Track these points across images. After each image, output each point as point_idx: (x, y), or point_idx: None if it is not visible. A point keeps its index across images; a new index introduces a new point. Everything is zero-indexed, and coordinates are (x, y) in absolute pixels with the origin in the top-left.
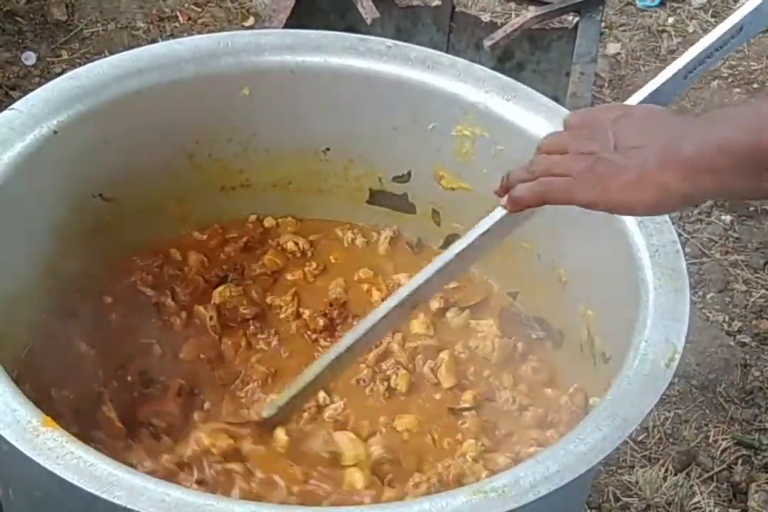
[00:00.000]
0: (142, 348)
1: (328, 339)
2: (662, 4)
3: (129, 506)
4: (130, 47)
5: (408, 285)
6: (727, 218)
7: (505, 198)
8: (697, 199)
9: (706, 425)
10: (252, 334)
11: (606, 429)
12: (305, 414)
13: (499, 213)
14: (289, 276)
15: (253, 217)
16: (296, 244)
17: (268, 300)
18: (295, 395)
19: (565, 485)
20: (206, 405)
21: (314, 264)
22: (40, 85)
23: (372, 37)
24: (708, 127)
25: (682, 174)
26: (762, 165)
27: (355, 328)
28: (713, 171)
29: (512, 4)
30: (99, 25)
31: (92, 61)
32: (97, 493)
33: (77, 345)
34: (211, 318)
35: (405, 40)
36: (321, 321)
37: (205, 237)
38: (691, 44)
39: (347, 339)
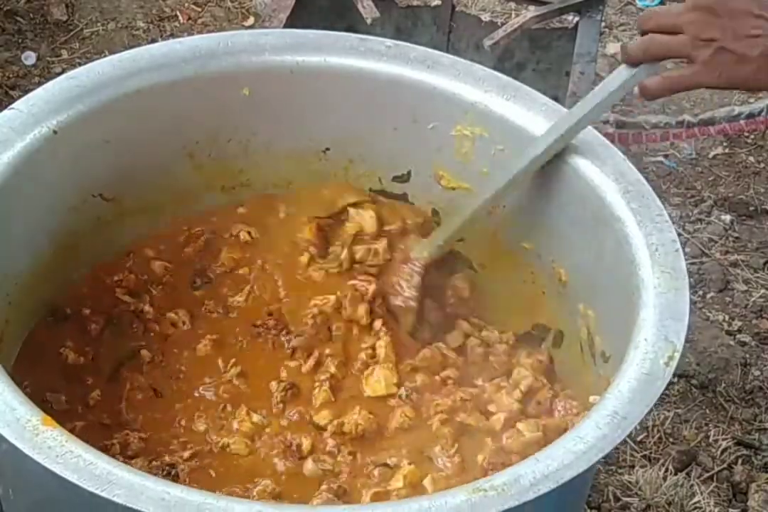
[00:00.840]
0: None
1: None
2: (662, 4)
3: (128, 504)
4: (130, 47)
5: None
6: (727, 218)
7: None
8: None
9: (706, 425)
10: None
11: (606, 428)
12: None
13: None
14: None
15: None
16: (248, 233)
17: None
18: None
19: (565, 483)
20: None
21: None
22: (40, 84)
23: (372, 37)
24: None
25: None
26: None
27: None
28: None
29: (512, 4)
30: (99, 24)
31: (92, 60)
32: (97, 492)
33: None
34: (183, 322)
35: (405, 40)
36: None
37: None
38: None
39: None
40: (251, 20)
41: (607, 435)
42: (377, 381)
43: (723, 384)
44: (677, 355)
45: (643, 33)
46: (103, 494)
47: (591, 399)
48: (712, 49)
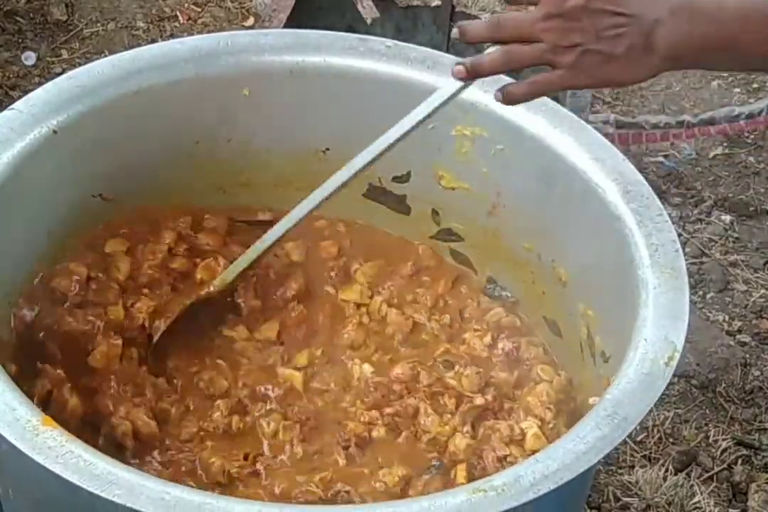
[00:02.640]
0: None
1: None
2: None
3: (128, 504)
4: (130, 47)
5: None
6: (727, 218)
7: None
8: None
9: (706, 425)
10: None
11: (606, 428)
12: None
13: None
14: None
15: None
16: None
17: None
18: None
19: (565, 483)
20: None
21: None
22: (40, 85)
23: (372, 37)
24: (681, 19)
25: (666, 57)
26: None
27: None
28: (691, 58)
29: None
30: (99, 24)
31: (92, 60)
32: (97, 492)
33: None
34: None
35: (405, 40)
36: None
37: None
38: None
39: (295, 213)
40: (251, 20)
41: (607, 436)
42: None
43: (723, 384)
44: (677, 355)
45: (496, 42)
46: (103, 494)
47: (591, 400)
48: (576, 53)
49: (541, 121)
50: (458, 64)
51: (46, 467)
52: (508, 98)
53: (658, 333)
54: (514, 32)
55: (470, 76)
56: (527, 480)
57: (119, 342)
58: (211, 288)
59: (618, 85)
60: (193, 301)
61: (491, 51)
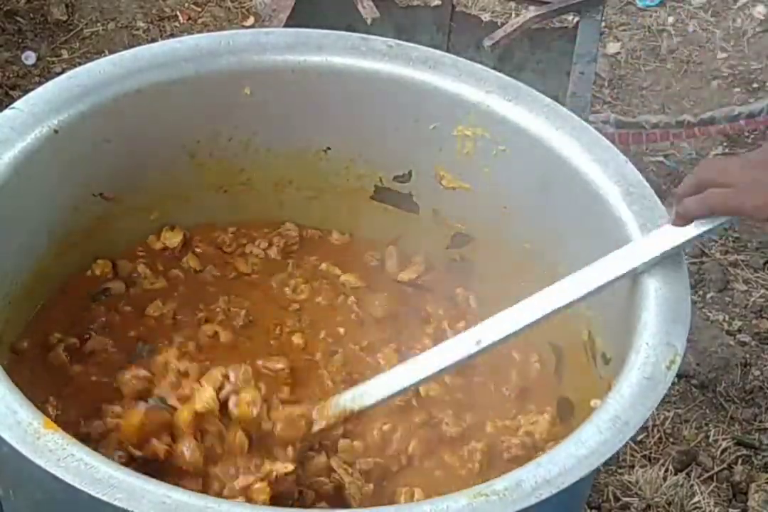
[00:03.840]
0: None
1: None
2: (662, 3)
3: (130, 508)
4: (130, 47)
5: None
6: None
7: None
8: None
9: (706, 425)
10: None
11: (607, 433)
12: None
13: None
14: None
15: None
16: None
17: None
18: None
19: (567, 488)
20: None
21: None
22: (40, 84)
23: (373, 37)
24: None
25: None
26: None
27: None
28: None
29: (512, 4)
30: (99, 24)
31: (92, 60)
32: (98, 495)
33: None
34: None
35: (405, 40)
36: None
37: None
38: (691, 44)
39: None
40: (251, 20)
41: (608, 440)
42: None
43: (723, 384)
44: (679, 359)
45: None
46: (104, 498)
47: (592, 403)
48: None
49: (543, 122)
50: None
51: (47, 470)
52: (680, 219)
53: (659, 336)
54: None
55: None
56: (529, 484)
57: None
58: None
59: None
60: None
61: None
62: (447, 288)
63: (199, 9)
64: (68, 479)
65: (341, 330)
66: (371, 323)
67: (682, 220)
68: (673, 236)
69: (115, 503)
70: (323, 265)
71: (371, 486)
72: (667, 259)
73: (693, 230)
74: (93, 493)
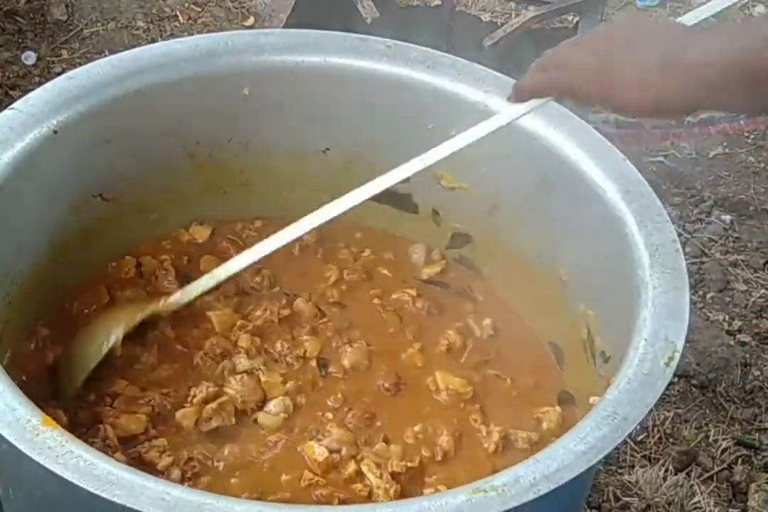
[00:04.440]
0: None
1: None
2: (662, 3)
3: (129, 505)
4: (130, 47)
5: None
6: (727, 218)
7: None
8: (695, 109)
9: (706, 425)
10: None
11: (606, 429)
12: None
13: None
14: None
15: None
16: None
17: None
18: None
19: (565, 484)
20: None
21: None
22: (40, 84)
23: (372, 37)
24: (709, 40)
25: (681, 82)
26: (753, 85)
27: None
28: (708, 85)
29: (512, 4)
30: (99, 24)
31: (92, 60)
32: (97, 492)
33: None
34: None
35: (405, 40)
36: None
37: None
38: None
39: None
40: (251, 20)
41: (607, 436)
42: None
43: (723, 384)
44: (677, 356)
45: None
46: (103, 494)
47: (591, 399)
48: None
49: (542, 121)
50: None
51: (46, 467)
52: (517, 93)
53: (658, 333)
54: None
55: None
56: (527, 480)
57: None
58: (160, 305)
59: (622, 105)
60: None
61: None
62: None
63: (199, 9)
64: (67, 475)
65: None
66: None
67: (518, 96)
68: (509, 111)
69: (114, 499)
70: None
71: (399, 486)
72: (666, 256)
73: (526, 106)
74: (92, 490)
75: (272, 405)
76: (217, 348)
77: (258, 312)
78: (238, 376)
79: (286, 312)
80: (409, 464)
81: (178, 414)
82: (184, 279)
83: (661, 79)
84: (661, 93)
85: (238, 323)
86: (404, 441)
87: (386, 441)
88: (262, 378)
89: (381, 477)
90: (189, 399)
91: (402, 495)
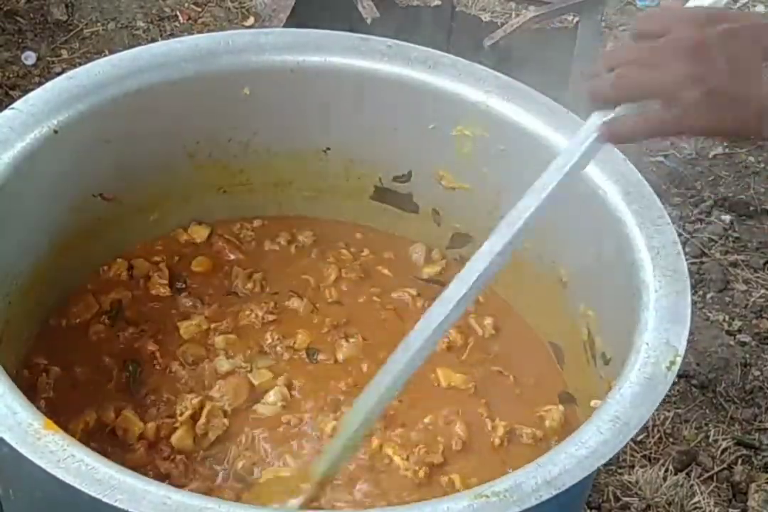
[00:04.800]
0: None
1: None
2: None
3: (130, 509)
4: (130, 47)
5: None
6: (727, 218)
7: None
8: None
9: (706, 425)
10: None
11: (607, 433)
12: None
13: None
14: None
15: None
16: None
17: None
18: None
19: (567, 489)
20: None
21: None
22: (40, 84)
23: (373, 37)
24: None
25: None
26: None
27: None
28: None
29: (512, 4)
30: (99, 24)
31: (92, 60)
32: (99, 496)
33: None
34: None
35: (405, 40)
36: None
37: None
38: None
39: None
40: (251, 20)
41: (608, 441)
42: None
43: (723, 384)
44: (679, 360)
45: None
46: (105, 499)
47: (592, 403)
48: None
49: (542, 122)
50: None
51: (48, 471)
52: (612, 136)
53: (659, 337)
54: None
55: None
56: (529, 485)
57: None
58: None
59: (735, 135)
60: None
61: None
62: None
63: (199, 9)
64: (69, 480)
65: None
66: None
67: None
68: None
69: (116, 504)
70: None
71: (427, 469)
72: (667, 258)
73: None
74: (93, 494)
75: (271, 396)
76: (189, 355)
77: (246, 312)
78: (222, 381)
79: (271, 317)
80: (432, 450)
81: (174, 439)
82: (176, 279)
83: None
84: None
85: (212, 326)
86: (420, 427)
87: (403, 426)
88: (250, 377)
89: (408, 459)
90: (177, 419)
91: (429, 478)
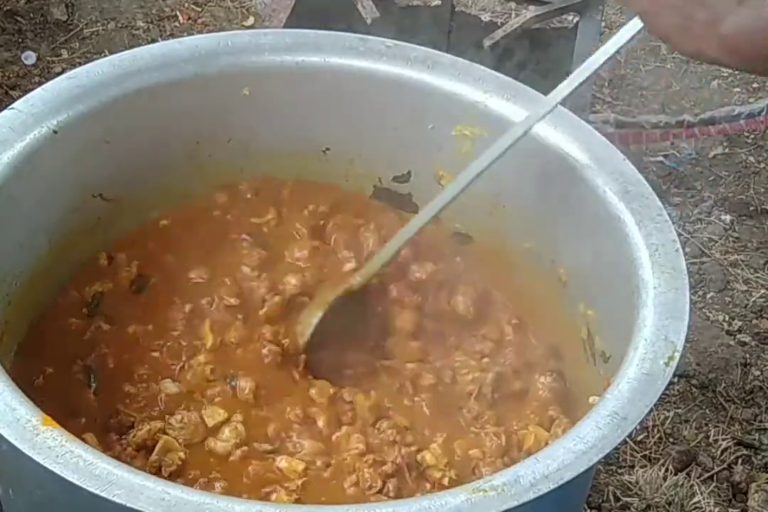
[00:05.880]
0: None
1: None
2: None
3: (128, 504)
4: (130, 47)
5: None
6: (727, 218)
7: None
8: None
9: (706, 425)
10: None
11: (606, 428)
12: None
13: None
14: None
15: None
16: None
17: None
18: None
19: (565, 483)
20: None
21: None
22: (40, 84)
23: (372, 37)
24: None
25: (719, 49)
26: None
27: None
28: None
29: (512, 4)
30: (99, 24)
31: (92, 60)
32: (97, 492)
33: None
34: None
35: (405, 40)
36: None
37: None
38: None
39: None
40: (251, 20)
41: (607, 436)
42: None
43: (723, 384)
44: (677, 355)
45: None
46: (103, 494)
47: (591, 399)
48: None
49: (542, 122)
50: None
51: (46, 467)
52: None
53: (658, 333)
54: None
55: None
56: (527, 479)
57: None
58: (354, 282)
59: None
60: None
61: None
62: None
63: (199, 9)
64: (67, 475)
65: None
66: None
67: None
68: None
69: (114, 499)
70: None
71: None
72: (666, 256)
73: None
74: (92, 489)
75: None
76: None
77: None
78: (178, 416)
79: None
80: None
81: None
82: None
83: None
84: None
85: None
86: None
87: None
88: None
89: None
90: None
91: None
